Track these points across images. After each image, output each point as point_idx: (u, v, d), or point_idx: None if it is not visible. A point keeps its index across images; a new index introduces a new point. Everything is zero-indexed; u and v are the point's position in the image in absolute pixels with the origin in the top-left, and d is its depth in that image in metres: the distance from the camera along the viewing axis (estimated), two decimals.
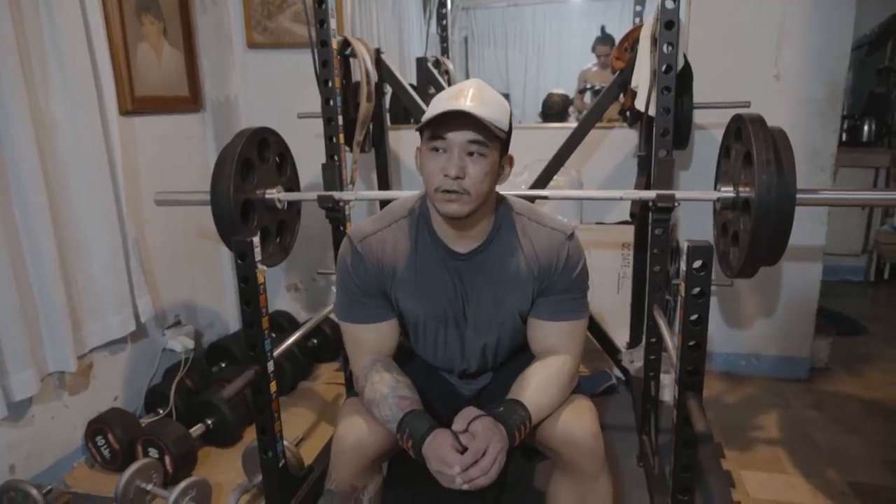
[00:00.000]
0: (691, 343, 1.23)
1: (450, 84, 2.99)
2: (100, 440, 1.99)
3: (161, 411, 2.18)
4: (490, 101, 1.10)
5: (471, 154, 1.09)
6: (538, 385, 1.17)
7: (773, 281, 2.48)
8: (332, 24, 1.84)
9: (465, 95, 1.08)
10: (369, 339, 1.26)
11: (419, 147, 1.16)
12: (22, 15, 1.74)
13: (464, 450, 1.05)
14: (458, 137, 1.08)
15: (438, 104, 1.09)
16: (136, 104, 2.18)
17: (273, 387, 1.51)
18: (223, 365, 2.51)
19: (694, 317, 1.22)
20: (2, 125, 1.68)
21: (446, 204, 1.11)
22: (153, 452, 1.90)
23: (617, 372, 2.39)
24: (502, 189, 1.27)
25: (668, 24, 1.62)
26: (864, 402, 2.37)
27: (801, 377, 2.54)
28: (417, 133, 1.14)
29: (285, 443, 1.61)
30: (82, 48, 1.90)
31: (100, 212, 1.99)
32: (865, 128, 3.71)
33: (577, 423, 1.17)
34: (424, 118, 1.10)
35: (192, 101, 2.50)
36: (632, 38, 1.97)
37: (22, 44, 1.74)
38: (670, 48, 1.63)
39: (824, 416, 2.27)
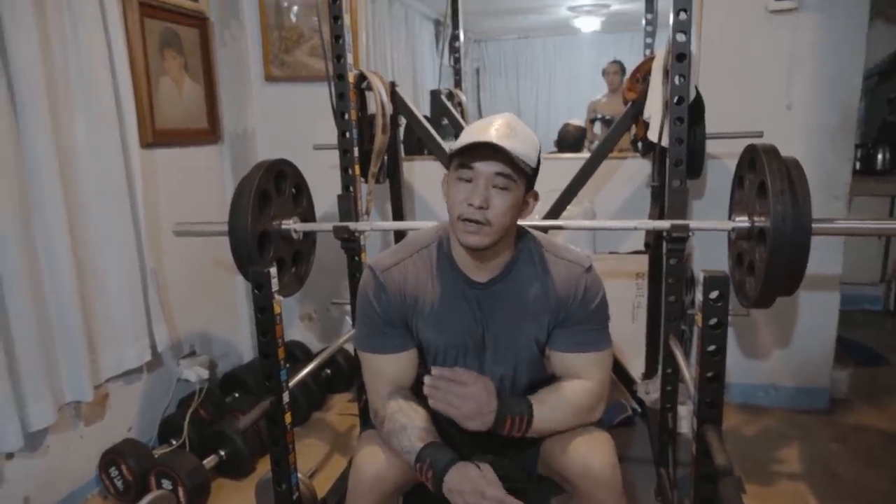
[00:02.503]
0: (709, 374, 1.22)
1: (463, 115, 3.03)
2: (113, 471, 1.99)
3: (175, 442, 2.18)
4: (520, 135, 1.11)
5: (496, 186, 1.11)
6: (554, 398, 1.19)
7: (789, 310, 2.46)
8: (349, 58, 1.88)
9: (495, 128, 1.10)
10: (389, 370, 1.25)
11: (446, 175, 1.18)
12: (51, 49, 1.80)
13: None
14: (484, 168, 1.10)
15: (469, 135, 1.11)
16: (156, 136, 2.22)
17: (288, 418, 1.51)
18: (237, 395, 2.51)
19: (711, 347, 1.21)
20: (28, 155, 1.72)
21: (467, 235, 1.12)
22: (166, 484, 1.90)
23: (633, 403, 2.36)
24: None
25: (680, 56, 1.64)
26: (887, 434, 2.32)
27: (822, 408, 2.49)
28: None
29: (299, 475, 1.60)
30: (107, 82, 1.95)
31: (119, 242, 2.02)
32: (879, 156, 3.70)
33: (595, 455, 1.16)
34: (455, 147, 1.12)
35: (210, 133, 2.56)
36: (643, 70, 2.00)
37: (49, 77, 1.79)
38: (682, 80, 1.65)
39: (847, 448, 2.22)
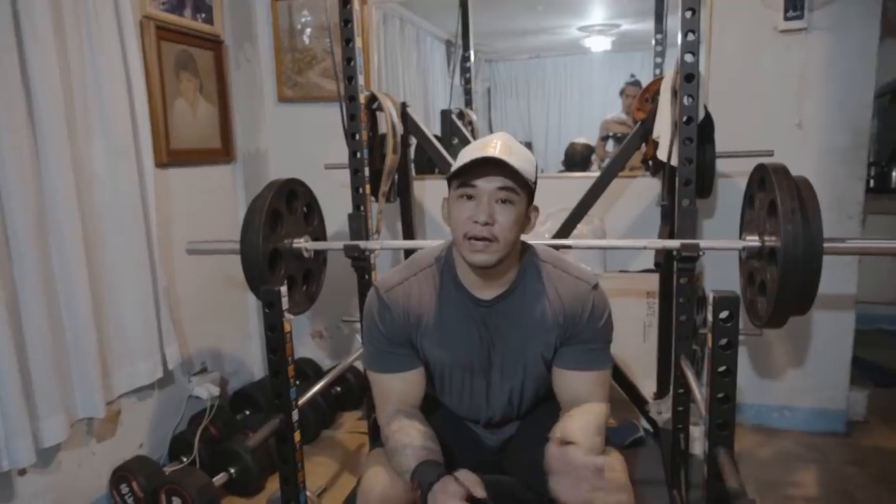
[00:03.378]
0: (720, 395, 1.21)
1: (474, 135, 3.05)
2: (124, 488, 1.99)
3: (185, 459, 2.18)
4: (517, 152, 1.13)
5: (499, 201, 1.11)
6: (583, 427, 1.11)
7: (804, 330, 2.43)
8: (360, 80, 1.91)
9: (493, 146, 1.11)
10: (396, 389, 1.26)
11: (445, 197, 1.18)
12: (69, 70, 1.84)
13: (470, 498, 1.01)
14: (487, 185, 1.11)
15: (468, 154, 1.12)
16: (171, 157, 2.26)
17: (297, 436, 1.51)
18: (247, 412, 2.52)
19: (722, 368, 1.20)
20: (45, 175, 1.76)
21: (474, 254, 1.12)
22: (176, 501, 1.90)
23: (644, 423, 2.33)
24: (527, 238, 1.28)
25: (688, 76, 1.65)
26: None
27: (838, 431, 2.45)
28: (443, 183, 1.17)
29: (308, 493, 1.60)
30: (124, 103, 1.99)
31: (133, 260, 2.05)
32: (894, 174, 3.67)
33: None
34: (455, 167, 1.13)
35: (224, 152, 2.60)
36: (652, 90, 2.01)
37: (68, 97, 1.83)
38: (691, 100, 1.66)
39: (865, 472, 2.17)
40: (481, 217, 1.10)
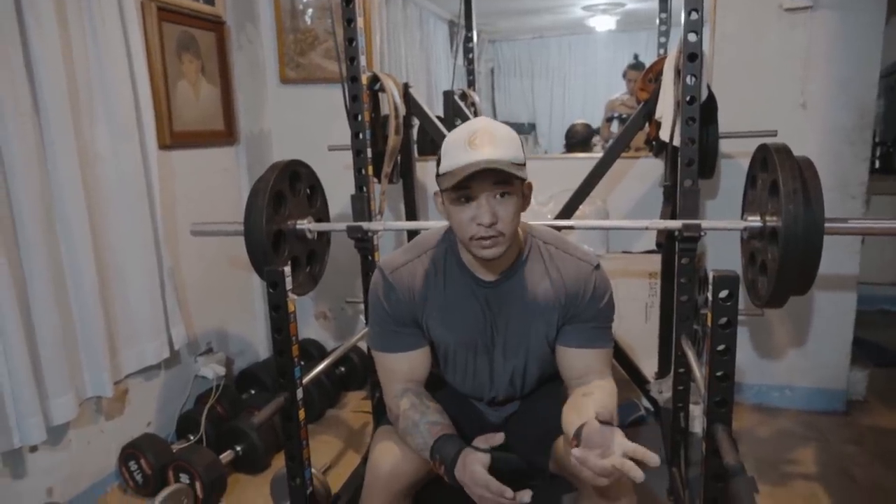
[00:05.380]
0: (719, 374, 1.22)
1: (476, 115, 3.04)
2: (133, 465, 2.03)
3: (192, 437, 2.22)
4: (502, 138, 1.09)
5: (497, 196, 1.09)
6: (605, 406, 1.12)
7: (805, 310, 2.44)
8: (362, 60, 1.90)
9: (478, 141, 1.07)
10: (401, 368, 1.27)
11: (436, 192, 1.17)
12: (72, 53, 1.84)
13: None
14: (483, 184, 1.08)
15: (455, 154, 1.09)
16: (174, 138, 2.27)
17: (302, 414, 1.53)
18: (253, 392, 2.55)
19: (721, 347, 1.21)
20: (49, 157, 1.77)
21: (483, 251, 1.12)
22: (184, 478, 1.93)
23: (646, 402, 2.36)
24: (528, 218, 1.28)
25: (692, 56, 1.64)
26: None
27: (838, 410, 2.47)
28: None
29: (313, 470, 1.63)
30: (126, 86, 1.99)
31: (138, 242, 2.07)
32: None
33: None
34: (442, 170, 1.11)
35: (227, 134, 2.60)
36: (656, 70, 2.00)
37: (71, 80, 1.83)
38: (694, 80, 1.65)
39: (864, 450, 2.19)
40: (485, 219, 1.08)
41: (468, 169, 1.05)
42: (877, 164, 3.58)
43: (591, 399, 1.13)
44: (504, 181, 1.09)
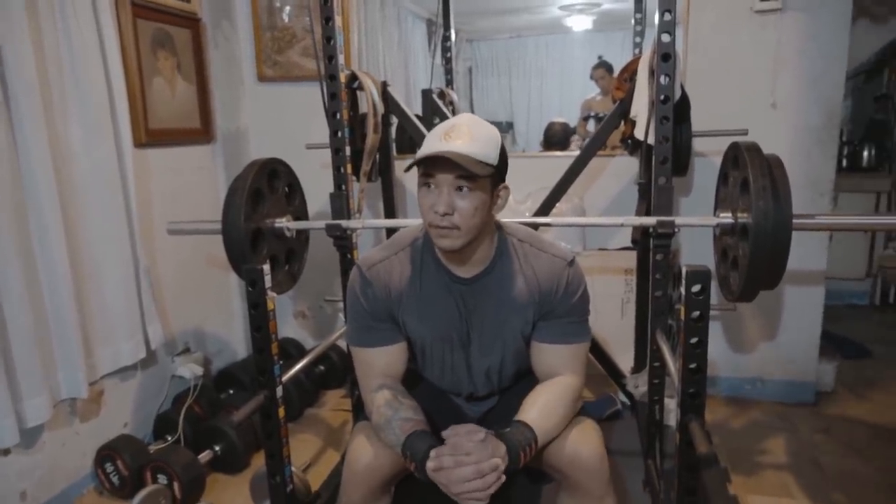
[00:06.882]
0: (692, 366, 1.25)
1: (454, 114, 3.05)
2: (109, 467, 2.01)
3: (170, 438, 2.20)
4: (479, 136, 1.13)
5: (459, 189, 1.13)
6: (544, 406, 1.19)
7: (776, 305, 2.50)
8: (341, 58, 1.90)
9: (454, 134, 1.12)
10: (378, 363, 1.28)
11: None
12: (44, 51, 1.81)
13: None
14: (444, 176, 1.12)
15: (430, 141, 1.14)
16: (150, 136, 2.24)
17: (281, 412, 1.54)
18: (231, 392, 2.54)
19: (694, 340, 1.24)
20: (22, 154, 1.74)
21: (439, 239, 1.16)
22: (162, 479, 1.92)
23: (622, 397, 2.40)
24: (506, 216, 1.30)
25: (665, 56, 1.67)
26: (871, 426, 2.36)
27: (808, 401, 2.54)
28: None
29: (293, 468, 1.63)
30: (100, 83, 1.97)
31: (113, 240, 2.04)
32: (865, 153, 3.75)
33: (584, 444, 1.19)
34: (417, 157, 1.14)
35: (203, 132, 2.58)
36: (630, 69, 2.03)
37: (43, 77, 1.81)
38: (668, 79, 1.68)
39: (831, 440, 2.26)
40: (440, 208, 1.12)
41: (431, 154, 1.10)
42: (844, 163, 3.68)
43: (531, 402, 1.20)
44: (467, 176, 1.11)
